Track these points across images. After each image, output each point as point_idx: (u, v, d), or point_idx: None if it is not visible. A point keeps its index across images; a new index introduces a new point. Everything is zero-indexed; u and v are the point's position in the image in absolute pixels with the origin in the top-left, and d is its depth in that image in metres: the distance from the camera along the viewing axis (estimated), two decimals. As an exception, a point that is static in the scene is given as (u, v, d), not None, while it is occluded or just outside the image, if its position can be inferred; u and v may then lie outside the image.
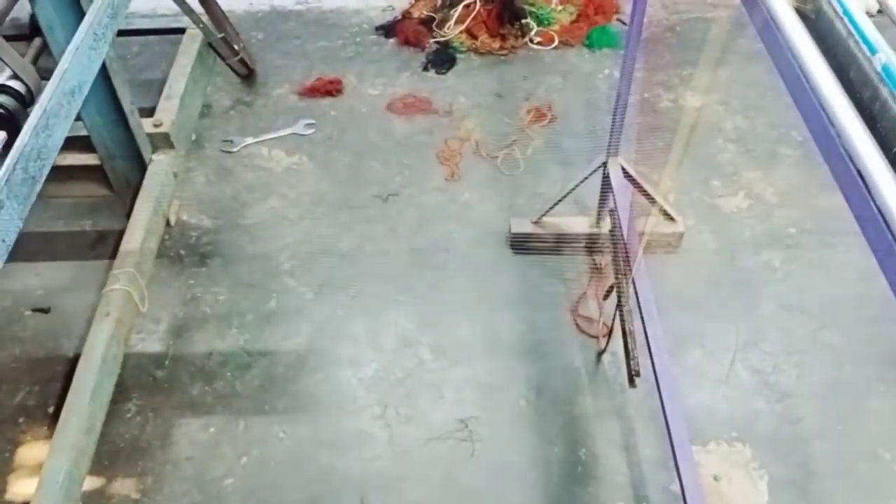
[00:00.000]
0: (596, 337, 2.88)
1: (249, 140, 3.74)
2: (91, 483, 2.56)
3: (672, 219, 3.07)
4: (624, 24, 4.21)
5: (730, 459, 2.57)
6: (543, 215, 3.12)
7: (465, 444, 2.65)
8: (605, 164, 2.89)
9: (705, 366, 2.82)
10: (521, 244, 3.16)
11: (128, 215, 3.13)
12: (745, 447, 2.59)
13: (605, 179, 2.91)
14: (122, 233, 3.09)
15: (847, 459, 2.56)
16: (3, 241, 1.41)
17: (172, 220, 3.33)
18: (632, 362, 2.32)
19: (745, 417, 2.67)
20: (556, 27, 4.26)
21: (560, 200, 3.04)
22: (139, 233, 2.96)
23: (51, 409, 2.78)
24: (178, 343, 2.97)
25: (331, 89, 4.00)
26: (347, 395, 2.80)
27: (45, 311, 3.08)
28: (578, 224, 3.16)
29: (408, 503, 2.53)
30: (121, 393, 2.76)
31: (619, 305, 2.43)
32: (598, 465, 2.58)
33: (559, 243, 3.15)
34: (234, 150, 3.69)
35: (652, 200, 2.95)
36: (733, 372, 2.80)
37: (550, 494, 2.52)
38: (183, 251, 3.28)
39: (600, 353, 2.83)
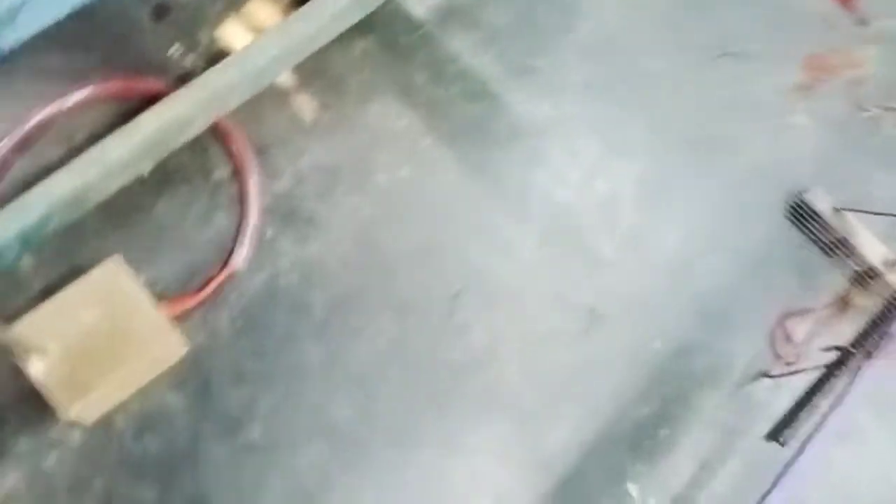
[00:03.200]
0: (780, 357, 2.49)
1: None
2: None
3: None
4: None
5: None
6: (849, 209, 2.55)
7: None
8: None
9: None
10: (801, 217, 2.63)
11: None
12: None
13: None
14: None
15: None
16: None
17: None
18: (788, 429, 1.98)
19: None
20: None
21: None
22: None
23: None
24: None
25: None
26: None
27: (166, 8, 2.44)
28: (873, 246, 2.58)
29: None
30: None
31: (829, 372, 2.02)
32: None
33: (836, 245, 2.61)
34: None
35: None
36: None
37: None
38: None
39: (766, 374, 2.46)
